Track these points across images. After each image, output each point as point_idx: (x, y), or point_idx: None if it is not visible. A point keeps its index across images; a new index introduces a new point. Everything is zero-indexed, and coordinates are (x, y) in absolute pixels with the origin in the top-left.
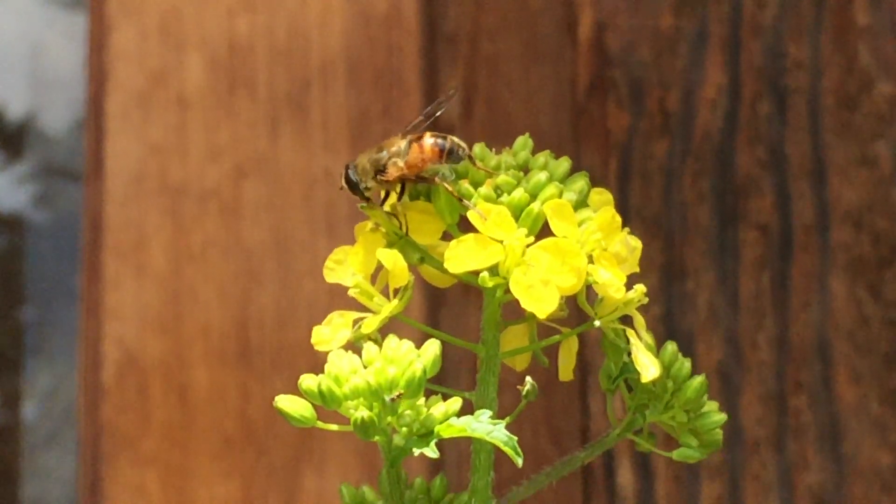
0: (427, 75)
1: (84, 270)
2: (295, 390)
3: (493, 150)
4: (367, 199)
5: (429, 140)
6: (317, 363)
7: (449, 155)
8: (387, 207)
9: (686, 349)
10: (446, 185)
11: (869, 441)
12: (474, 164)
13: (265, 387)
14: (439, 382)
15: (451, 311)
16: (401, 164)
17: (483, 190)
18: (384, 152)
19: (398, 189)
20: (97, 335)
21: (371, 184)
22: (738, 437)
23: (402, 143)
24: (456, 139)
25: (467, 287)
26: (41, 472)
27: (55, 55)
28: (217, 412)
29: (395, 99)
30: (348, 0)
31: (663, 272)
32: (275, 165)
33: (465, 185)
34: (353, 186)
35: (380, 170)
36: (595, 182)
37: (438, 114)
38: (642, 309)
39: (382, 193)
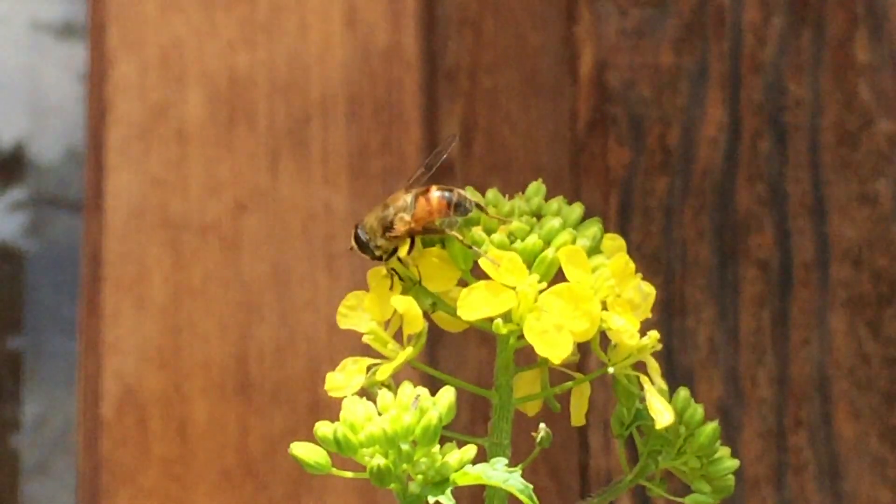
0: (427, 110)
1: (83, 304)
2: (294, 424)
3: (495, 189)
4: (378, 258)
5: (435, 193)
6: (316, 398)
7: (456, 208)
8: (401, 253)
9: (686, 385)
10: (456, 234)
11: (869, 478)
12: (485, 211)
13: (265, 421)
14: None
15: (450, 349)
16: (407, 218)
17: (496, 237)
18: (390, 209)
19: (408, 243)
20: (96, 369)
21: (380, 242)
22: (737, 474)
23: (408, 198)
24: (462, 191)
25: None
26: (36, 502)
27: (49, 84)
28: (216, 446)
29: (394, 133)
30: (348, 34)
31: (663, 308)
32: (274, 199)
33: (478, 231)
34: (362, 246)
35: (387, 227)
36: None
37: (438, 164)
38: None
39: (391, 250)
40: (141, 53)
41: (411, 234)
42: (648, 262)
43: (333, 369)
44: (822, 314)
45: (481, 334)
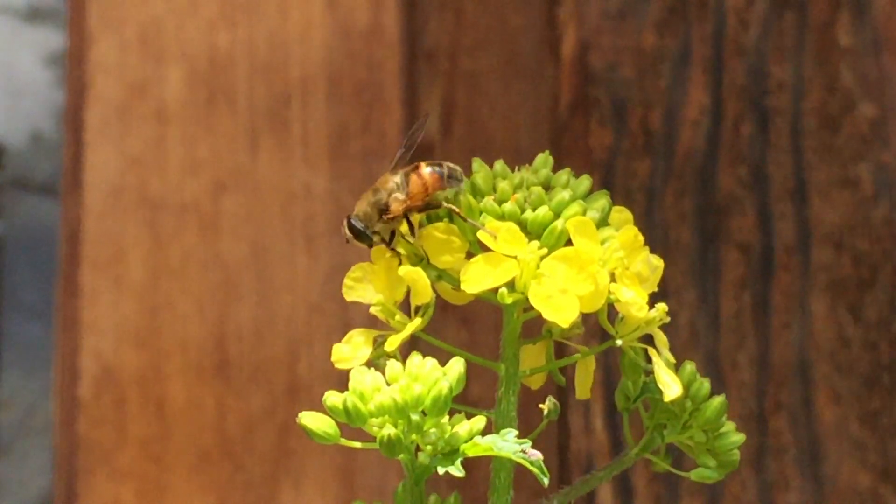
0: (407, 91)
1: (61, 283)
2: (272, 405)
3: (502, 161)
4: (371, 244)
5: (426, 168)
6: (295, 379)
7: (449, 180)
8: (403, 231)
9: None
10: (453, 208)
11: (849, 462)
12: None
13: (242, 401)
14: None
15: (430, 326)
16: (402, 197)
17: (507, 206)
18: (381, 192)
19: (405, 224)
20: (74, 348)
21: (378, 226)
22: None
23: (397, 178)
24: (451, 164)
25: (445, 303)
26: (3, 484)
27: (16, 68)
28: (194, 426)
29: (375, 114)
30: (329, 14)
31: None
32: (254, 179)
33: (489, 202)
34: (359, 235)
35: (383, 209)
36: None
37: (416, 143)
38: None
39: (388, 234)
40: (120, 32)
41: (407, 213)
42: None
43: (311, 350)
44: (803, 298)
45: (461, 316)
